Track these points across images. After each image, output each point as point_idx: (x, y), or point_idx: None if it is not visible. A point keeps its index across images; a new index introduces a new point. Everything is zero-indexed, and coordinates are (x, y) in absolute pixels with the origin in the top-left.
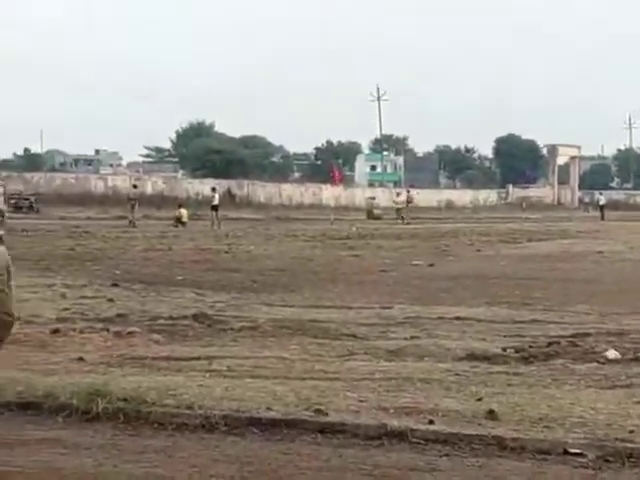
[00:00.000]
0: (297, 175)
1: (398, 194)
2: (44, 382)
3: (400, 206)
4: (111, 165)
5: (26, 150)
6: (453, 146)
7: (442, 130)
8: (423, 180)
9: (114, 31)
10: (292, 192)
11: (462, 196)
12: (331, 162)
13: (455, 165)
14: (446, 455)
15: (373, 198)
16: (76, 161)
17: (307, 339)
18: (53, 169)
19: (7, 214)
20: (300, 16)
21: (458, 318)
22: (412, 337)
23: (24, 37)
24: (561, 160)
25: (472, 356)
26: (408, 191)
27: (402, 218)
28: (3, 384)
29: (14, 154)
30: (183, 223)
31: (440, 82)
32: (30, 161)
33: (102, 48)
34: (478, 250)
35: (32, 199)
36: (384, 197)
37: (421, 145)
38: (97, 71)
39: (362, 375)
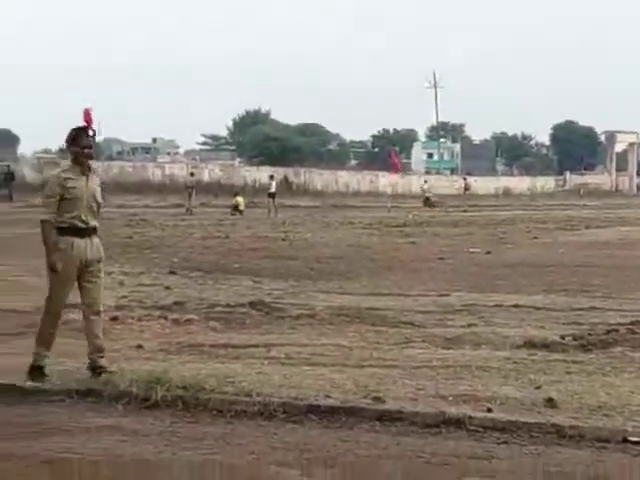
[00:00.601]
0: (354, 163)
1: (425, 181)
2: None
3: (428, 194)
4: (168, 153)
5: None
6: (510, 133)
7: (499, 117)
8: (480, 168)
9: (167, 20)
10: (349, 180)
11: (519, 183)
12: (390, 149)
13: (512, 152)
14: (504, 443)
15: (429, 186)
16: (134, 149)
17: (365, 327)
18: (111, 158)
19: None
20: (360, 5)
21: (516, 306)
22: (469, 325)
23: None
24: (619, 147)
25: (530, 344)
26: (465, 178)
27: (432, 206)
28: (64, 371)
29: None
30: (240, 211)
31: (497, 69)
32: None
33: (155, 36)
34: (535, 237)
35: None
36: (440, 185)
37: (478, 132)
38: (152, 59)
39: (420, 363)
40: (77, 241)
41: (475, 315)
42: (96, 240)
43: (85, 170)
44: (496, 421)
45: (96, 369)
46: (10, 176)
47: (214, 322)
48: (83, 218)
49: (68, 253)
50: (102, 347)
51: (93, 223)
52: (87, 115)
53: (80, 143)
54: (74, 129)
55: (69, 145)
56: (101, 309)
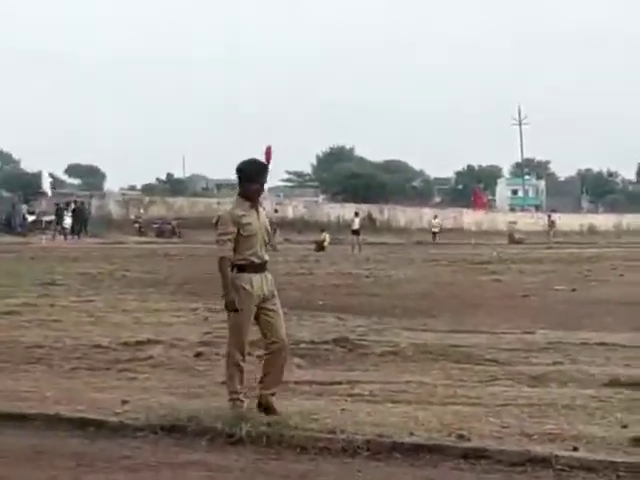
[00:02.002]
0: (438, 199)
1: (435, 217)
2: (188, 405)
3: (435, 229)
4: None
5: (169, 175)
6: (595, 170)
7: (584, 154)
8: (565, 205)
9: (254, 59)
10: (433, 217)
11: (605, 221)
12: (474, 187)
13: (597, 189)
14: None
15: (514, 222)
16: (218, 186)
17: (449, 364)
18: (195, 194)
19: (150, 237)
20: (442, 36)
21: (602, 344)
22: (555, 363)
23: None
24: None
25: (616, 382)
26: (549, 215)
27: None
28: (148, 407)
29: (157, 179)
30: (323, 248)
31: (582, 105)
32: (173, 186)
33: (238, 74)
34: (621, 275)
35: (174, 224)
36: (525, 222)
37: (563, 169)
38: (235, 96)
39: (505, 401)
40: (255, 277)
41: (560, 353)
42: (269, 274)
43: (255, 205)
44: (583, 460)
45: (265, 405)
46: (79, 211)
47: (298, 359)
48: (259, 254)
49: (248, 291)
50: (280, 382)
51: (266, 257)
52: (269, 152)
53: (260, 180)
54: (255, 164)
55: (246, 180)
56: (286, 343)
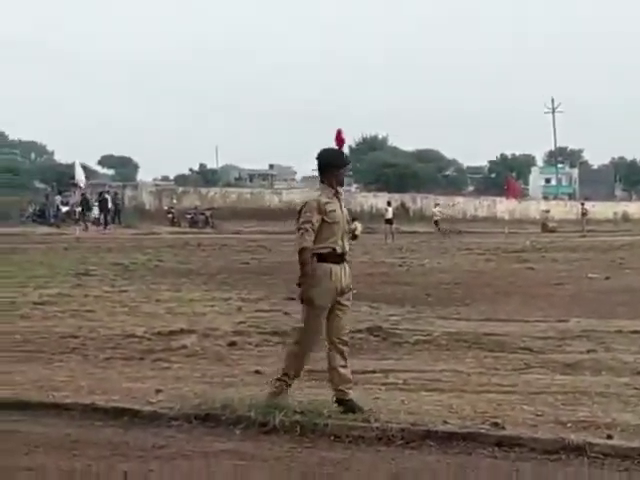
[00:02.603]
0: (471, 189)
1: (436, 205)
2: (222, 394)
3: (437, 217)
4: (285, 180)
5: (202, 166)
6: (629, 158)
7: (618, 142)
8: (598, 193)
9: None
10: (466, 205)
11: (638, 208)
12: (507, 175)
13: (631, 177)
14: (625, 470)
15: (548, 211)
16: (251, 176)
17: (483, 352)
18: (228, 184)
19: (183, 228)
20: (476, 29)
21: (636, 332)
22: (589, 351)
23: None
24: None
25: None
26: (582, 204)
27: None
28: (182, 396)
29: (190, 169)
30: (355, 237)
31: (616, 93)
32: (206, 176)
33: (268, 68)
34: None
35: (208, 214)
36: (558, 210)
37: (596, 157)
38: (267, 90)
39: (538, 388)
40: (334, 268)
41: (594, 341)
42: (348, 266)
43: (338, 193)
44: (617, 448)
45: (344, 402)
46: (104, 202)
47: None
48: (340, 243)
49: (326, 281)
50: (351, 378)
51: (347, 248)
52: (340, 136)
53: (341, 167)
54: (335, 151)
55: (327, 167)
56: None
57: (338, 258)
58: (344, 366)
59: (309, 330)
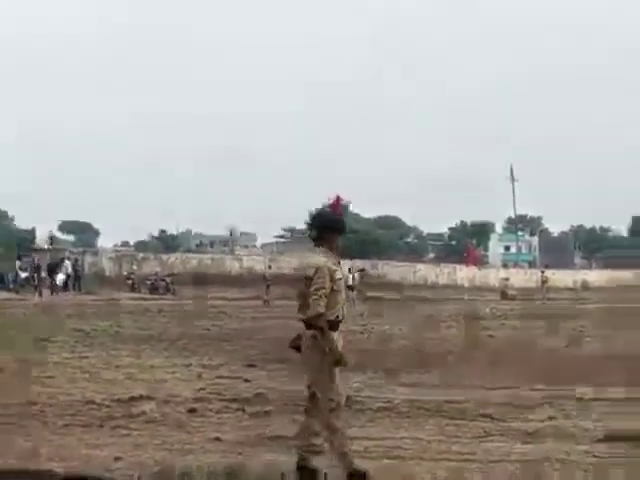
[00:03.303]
0: (431, 255)
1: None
2: (181, 462)
3: (351, 283)
4: (246, 246)
5: (161, 231)
6: (588, 225)
7: (576, 210)
8: (558, 260)
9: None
10: (426, 272)
11: (598, 276)
12: (467, 243)
13: (590, 245)
14: None
15: (507, 279)
16: (212, 242)
17: (444, 420)
18: (188, 250)
19: (143, 294)
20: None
21: (596, 399)
22: (550, 418)
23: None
24: None
25: (611, 437)
26: (542, 271)
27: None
28: (141, 463)
29: (150, 235)
30: None
31: (572, 161)
32: (166, 242)
33: (236, 132)
34: (615, 329)
35: (168, 280)
36: (518, 278)
37: (556, 225)
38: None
39: (499, 456)
40: (336, 335)
41: (555, 408)
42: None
43: (339, 259)
44: None
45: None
46: (57, 268)
47: (294, 414)
48: (341, 312)
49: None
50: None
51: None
52: (338, 202)
53: (342, 232)
54: (335, 215)
55: (328, 231)
56: None
57: (337, 326)
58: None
59: (335, 390)
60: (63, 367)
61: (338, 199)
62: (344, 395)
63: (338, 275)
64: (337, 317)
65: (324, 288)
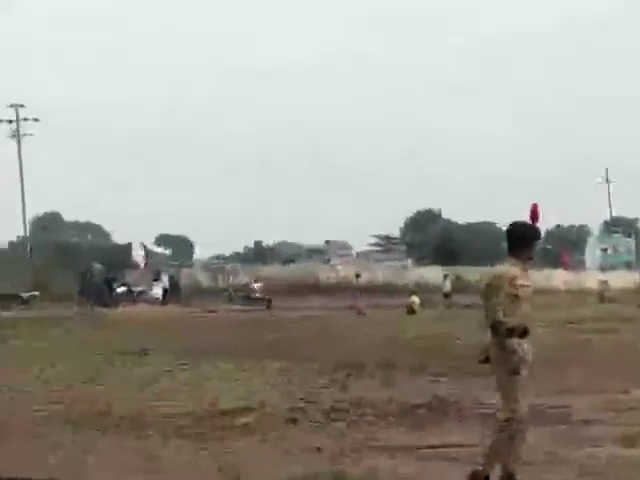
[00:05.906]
0: None
1: (445, 276)
2: (284, 472)
3: (446, 290)
4: (341, 256)
5: (257, 243)
6: None
7: None
8: None
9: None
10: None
11: None
12: (562, 246)
13: None
14: None
15: (605, 282)
16: (307, 252)
17: (546, 427)
18: (285, 261)
19: (241, 305)
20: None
21: None
22: None
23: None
24: None
25: None
26: None
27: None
28: (240, 476)
29: (246, 247)
30: (414, 311)
31: None
32: (261, 253)
33: (321, 138)
34: None
35: (261, 290)
36: (617, 280)
37: None
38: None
39: (605, 461)
40: (523, 342)
41: None
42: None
43: (527, 267)
44: None
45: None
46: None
47: (393, 419)
48: (529, 318)
49: (521, 355)
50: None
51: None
52: (536, 210)
53: (534, 243)
54: (529, 225)
55: (520, 241)
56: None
57: (526, 333)
58: (524, 440)
59: (518, 406)
60: (170, 379)
61: (534, 207)
62: (525, 407)
63: (521, 282)
64: (524, 324)
65: (500, 304)
